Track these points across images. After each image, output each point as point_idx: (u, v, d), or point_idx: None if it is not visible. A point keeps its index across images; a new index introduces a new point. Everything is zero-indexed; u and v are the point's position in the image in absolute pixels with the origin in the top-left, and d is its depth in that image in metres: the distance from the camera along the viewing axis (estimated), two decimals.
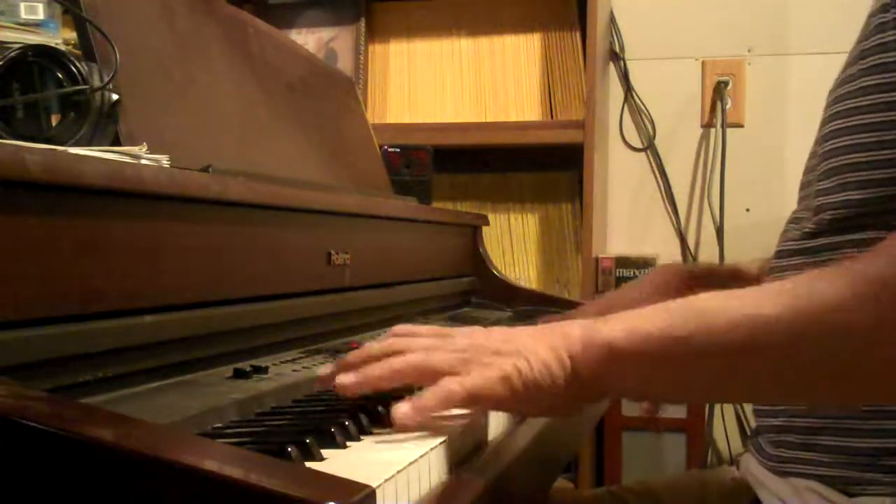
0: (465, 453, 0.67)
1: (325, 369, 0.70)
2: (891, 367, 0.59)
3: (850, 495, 0.78)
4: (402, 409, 0.63)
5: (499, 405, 0.68)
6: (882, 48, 0.76)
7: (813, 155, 0.88)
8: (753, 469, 0.90)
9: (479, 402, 0.66)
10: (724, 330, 0.62)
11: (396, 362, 0.66)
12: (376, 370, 0.66)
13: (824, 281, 0.60)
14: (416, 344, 0.68)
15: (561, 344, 0.67)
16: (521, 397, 0.66)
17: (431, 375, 0.65)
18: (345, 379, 0.66)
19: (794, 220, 0.87)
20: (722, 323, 0.62)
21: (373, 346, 0.70)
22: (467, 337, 0.69)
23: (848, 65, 0.81)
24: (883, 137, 0.75)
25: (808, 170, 0.89)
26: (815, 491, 0.80)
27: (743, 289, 0.64)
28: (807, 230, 0.82)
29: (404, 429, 0.63)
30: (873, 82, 0.76)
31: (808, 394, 0.68)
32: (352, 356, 0.69)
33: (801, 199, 0.90)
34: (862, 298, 0.58)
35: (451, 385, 0.64)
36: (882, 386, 0.62)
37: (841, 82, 0.81)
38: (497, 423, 0.77)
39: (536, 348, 0.66)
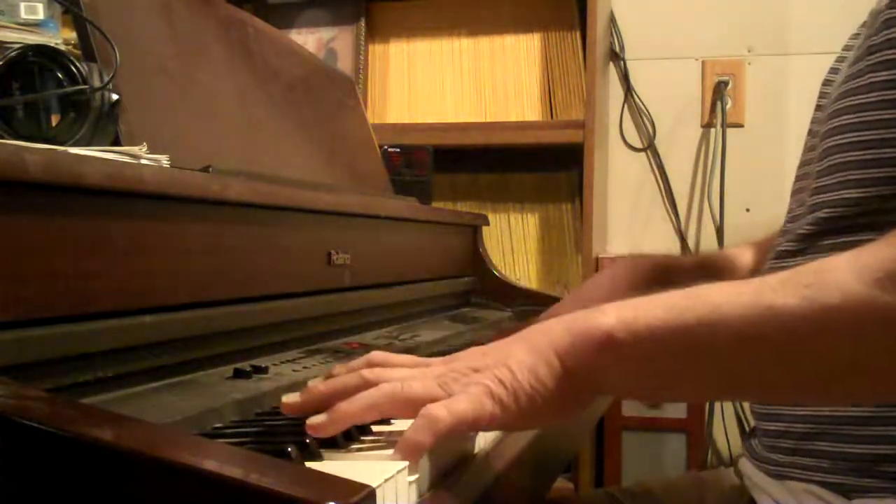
0: (465, 453, 0.67)
1: (291, 398, 0.64)
2: None
3: (849, 498, 0.78)
4: (396, 455, 0.57)
5: (491, 423, 0.61)
6: (889, 44, 0.75)
7: (811, 150, 0.87)
8: (749, 472, 0.90)
9: (470, 424, 0.60)
10: (732, 321, 0.58)
11: (370, 396, 0.60)
12: (350, 408, 0.60)
13: (834, 272, 0.57)
14: (390, 374, 0.63)
15: (544, 342, 0.62)
16: (510, 408, 0.60)
17: (409, 406, 0.60)
18: (316, 421, 0.59)
19: (792, 218, 0.87)
20: (731, 314, 0.58)
21: (343, 377, 0.64)
22: (445, 361, 0.65)
23: (855, 60, 0.80)
24: (886, 135, 0.74)
25: (805, 163, 0.89)
26: (813, 493, 0.80)
27: (747, 280, 0.61)
28: (803, 231, 0.82)
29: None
30: (880, 79, 0.75)
31: (821, 389, 0.63)
32: (322, 386, 0.64)
33: (794, 194, 0.89)
34: (874, 292, 0.56)
35: (435, 412, 0.58)
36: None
37: (847, 78, 0.80)
38: None
39: (516, 354, 0.62)
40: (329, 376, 0.66)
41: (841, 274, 0.57)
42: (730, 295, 0.59)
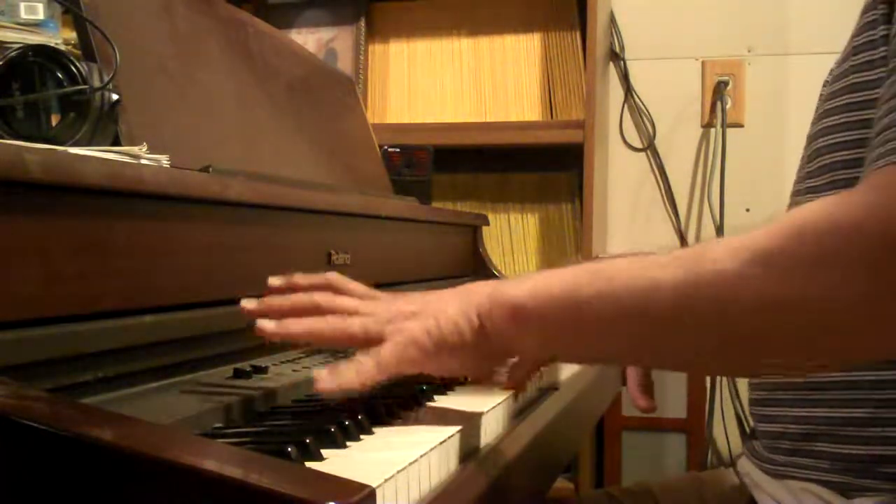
0: (465, 454, 0.67)
1: (249, 302, 0.72)
2: (771, 337, 0.60)
3: (848, 497, 0.78)
4: (322, 383, 0.66)
5: (412, 366, 0.69)
6: (871, 45, 0.76)
7: (806, 151, 0.88)
8: (750, 471, 0.90)
9: (394, 369, 0.68)
10: (620, 294, 0.63)
11: (315, 324, 0.69)
12: (297, 328, 0.69)
13: (714, 252, 0.60)
14: (338, 304, 0.71)
15: (469, 302, 0.69)
16: (432, 356, 0.68)
17: (346, 340, 0.69)
18: (266, 326, 0.69)
19: None
20: (619, 286, 0.63)
21: (300, 297, 0.72)
22: (388, 301, 0.72)
23: (841, 61, 0.81)
24: (869, 135, 0.74)
25: (802, 166, 0.89)
26: (812, 492, 0.80)
27: (645, 256, 0.65)
28: None
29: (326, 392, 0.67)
30: (862, 79, 0.76)
31: (695, 361, 0.70)
32: (279, 300, 0.72)
33: (793, 196, 0.90)
34: (743, 270, 0.58)
35: (364, 363, 0.66)
36: (764, 356, 0.62)
37: (834, 78, 0.81)
38: (496, 423, 0.77)
39: (446, 308, 0.69)
40: (290, 284, 0.75)
41: (717, 252, 0.60)
42: (623, 270, 0.64)
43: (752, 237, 0.60)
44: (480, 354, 0.69)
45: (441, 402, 0.79)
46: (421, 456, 0.57)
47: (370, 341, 0.68)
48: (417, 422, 0.70)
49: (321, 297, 0.72)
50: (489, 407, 0.75)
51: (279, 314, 0.71)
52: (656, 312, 0.62)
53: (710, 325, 0.61)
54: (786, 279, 0.57)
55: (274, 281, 0.75)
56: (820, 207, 0.59)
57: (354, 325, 0.69)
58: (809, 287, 0.57)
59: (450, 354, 0.68)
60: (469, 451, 0.68)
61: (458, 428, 0.66)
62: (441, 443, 0.62)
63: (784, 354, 0.61)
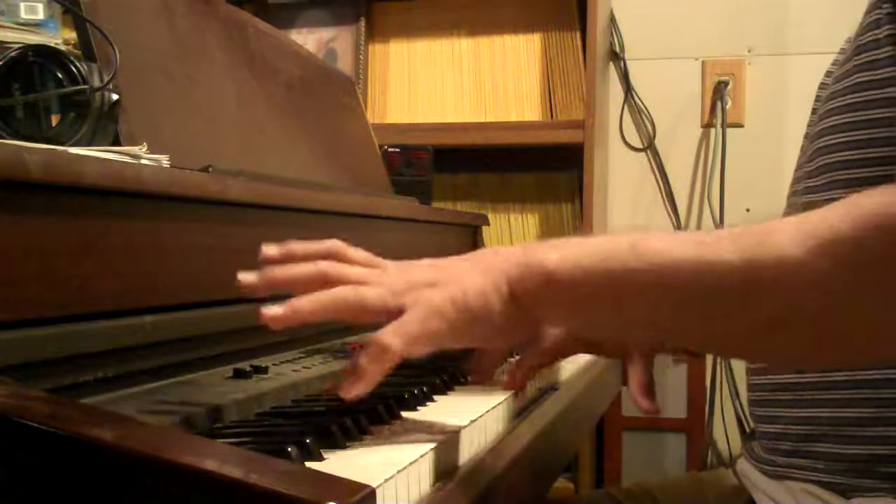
0: (465, 454, 0.67)
1: (247, 276, 0.64)
2: (844, 324, 0.58)
3: (847, 497, 0.78)
4: (344, 387, 0.61)
5: (438, 339, 0.63)
6: (875, 44, 0.75)
7: (805, 152, 0.88)
8: (748, 472, 0.90)
9: (419, 342, 0.62)
10: (667, 270, 0.59)
11: (327, 298, 0.62)
12: (306, 305, 0.61)
13: (778, 236, 0.58)
14: (348, 273, 0.65)
15: (497, 269, 0.64)
16: (457, 327, 0.63)
17: (361, 313, 0.63)
18: (272, 312, 0.61)
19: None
20: (666, 262, 0.59)
21: (303, 266, 0.65)
22: (400, 269, 0.66)
23: (844, 61, 0.81)
24: (873, 135, 0.74)
25: (800, 167, 0.89)
26: (811, 493, 0.80)
27: (692, 232, 0.62)
28: None
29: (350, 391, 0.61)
30: (865, 79, 0.76)
31: (747, 344, 0.65)
32: (280, 271, 0.64)
33: (790, 196, 0.90)
34: (810, 259, 0.56)
35: (387, 340, 0.60)
36: (833, 343, 0.60)
37: (836, 79, 0.81)
38: (496, 423, 0.77)
39: (471, 275, 0.64)
40: (286, 254, 0.66)
41: (782, 237, 0.58)
42: (671, 245, 0.60)
43: (818, 224, 0.58)
44: (506, 326, 0.65)
45: (441, 401, 0.79)
46: (421, 456, 0.57)
47: (388, 314, 0.62)
48: (417, 422, 0.70)
49: (328, 266, 0.64)
50: (489, 407, 0.75)
51: (280, 286, 0.63)
52: (709, 293, 0.59)
53: (766, 310, 0.58)
54: (861, 272, 0.56)
55: (269, 250, 0.66)
56: (893, 200, 0.57)
57: (370, 295, 0.62)
58: (887, 280, 0.55)
59: (474, 326, 0.63)
60: (469, 452, 0.68)
61: (458, 428, 0.66)
62: (441, 443, 0.62)
63: (845, 343, 0.60)
